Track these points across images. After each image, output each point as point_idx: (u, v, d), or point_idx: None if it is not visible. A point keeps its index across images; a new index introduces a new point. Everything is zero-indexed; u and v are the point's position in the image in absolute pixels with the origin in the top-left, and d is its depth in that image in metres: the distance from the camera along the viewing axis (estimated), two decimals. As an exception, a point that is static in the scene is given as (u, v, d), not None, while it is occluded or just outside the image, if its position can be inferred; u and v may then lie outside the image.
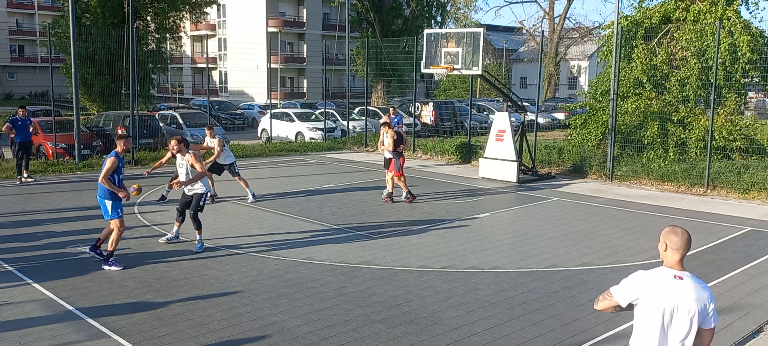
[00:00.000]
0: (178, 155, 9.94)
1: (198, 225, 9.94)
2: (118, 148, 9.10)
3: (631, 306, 3.92)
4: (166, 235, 10.47)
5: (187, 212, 10.07)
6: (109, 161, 8.83)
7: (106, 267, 8.94)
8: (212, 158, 13.79)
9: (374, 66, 30.28)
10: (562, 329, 7.01)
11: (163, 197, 13.71)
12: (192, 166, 9.80)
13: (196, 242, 9.95)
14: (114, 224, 8.98)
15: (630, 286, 3.90)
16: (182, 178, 9.97)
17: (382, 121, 14.92)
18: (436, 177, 17.90)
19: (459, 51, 15.89)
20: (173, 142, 9.93)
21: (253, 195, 13.97)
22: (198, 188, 9.94)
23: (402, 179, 14.09)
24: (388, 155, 14.06)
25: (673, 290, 3.81)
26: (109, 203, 8.95)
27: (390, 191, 14.12)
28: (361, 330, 6.91)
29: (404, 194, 14.12)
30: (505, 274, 8.99)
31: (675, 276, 3.84)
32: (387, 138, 13.96)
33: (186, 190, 10.03)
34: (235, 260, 9.49)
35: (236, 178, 14.08)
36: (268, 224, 11.91)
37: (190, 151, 9.89)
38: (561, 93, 58.35)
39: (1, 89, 66.76)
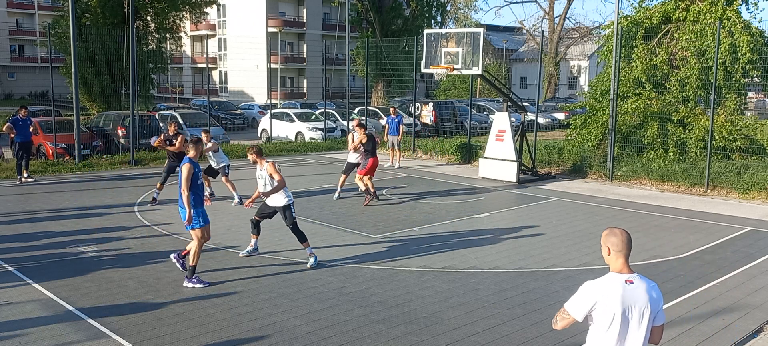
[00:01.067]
0: (257, 166, 9.29)
1: (302, 238, 9.28)
2: (191, 154, 8.38)
3: (586, 319, 3.86)
4: (246, 249, 9.75)
5: (260, 222, 9.54)
6: (185, 169, 8.14)
7: (189, 285, 8.20)
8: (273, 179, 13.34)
9: (374, 66, 30.28)
10: (562, 329, 7.01)
11: (154, 200, 13.54)
12: (271, 175, 9.07)
13: (309, 256, 9.25)
14: (194, 234, 8.27)
15: (582, 299, 3.83)
16: (261, 189, 9.31)
17: (354, 123, 14.48)
18: (436, 177, 17.90)
19: (459, 51, 15.89)
20: (249, 153, 9.32)
21: (240, 199, 13.49)
22: (280, 200, 9.19)
23: (370, 179, 13.75)
24: (354, 159, 14.04)
25: (626, 295, 3.73)
26: (184, 213, 8.26)
27: (370, 189, 13.82)
28: (361, 330, 6.91)
29: (363, 189, 13.74)
30: (505, 274, 8.99)
31: (626, 281, 3.76)
32: (356, 137, 13.82)
33: (267, 201, 9.33)
34: (235, 260, 9.49)
35: (224, 179, 13.79)
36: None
37: (268, 160, 9.20)
38: (561, 93, 58.35)
39: (1, 89, 66.76)
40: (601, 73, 20.18)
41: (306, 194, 14.98)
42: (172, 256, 8.85)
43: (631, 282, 3.76)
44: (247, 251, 9.70)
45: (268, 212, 9.43)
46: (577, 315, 3.85)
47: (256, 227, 9.59)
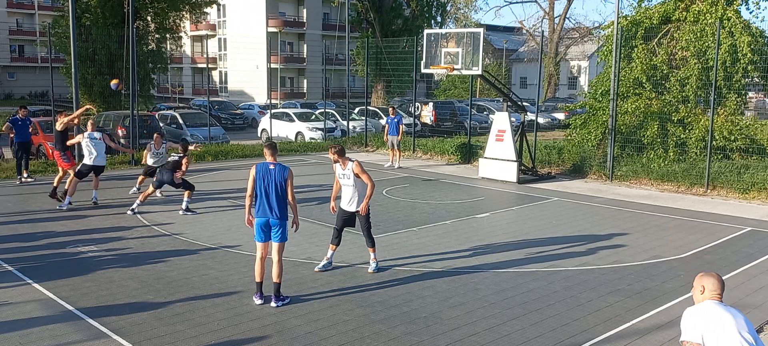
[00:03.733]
0: (338, 166, 8.71)
1: (372, 243, 8.93)
2: (276, 159, 7.72)
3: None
4: (321, 263, 9.07)
5: (341, 231, 8.99)
6: (292, 175, 7.61)
7: (282, 305, 7.61)
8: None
9: (374, 66, 30.29)
10: (562, 329, 7.02)
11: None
12: (357, 176, 8.56)
13: (371, 261, 8.98)
14: (283, 247, 7.71)
15: (693, 322, 4.08)
16: (344, 192, 8.78)
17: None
18: (436, 177, 17.90)
19: (459, 51, 15.89)
20: (330, 152, 8.74)
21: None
22: (358, 202, 8.70)
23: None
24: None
25: (728, 315, 4.04)
26: (286, 223, 7.66)
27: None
28: (361, 330, 6.91)
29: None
30: (505, 274, 8.99)
31: (723, 303, 4.14)
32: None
33: (344, 206, 8.83)
34: (235, 260, 9.49)
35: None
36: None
37: (352, 160, 8.69)
38: (561, 93, 58.35)
39: (1, 89, 66.75)
40: (601, 73, 20.17)
41: (306, 193, 14.97)
42: (275, 303, 7.61)
43: (725, 305, 4.15)
44: (322, 265, 9.03)
45: (350, 218, 8.86)
46: (697, 338, 4.04)
47: (338, 237, 8.98)
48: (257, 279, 7.74)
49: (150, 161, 13.89)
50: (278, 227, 7.60)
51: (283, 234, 7.65)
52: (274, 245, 7.65)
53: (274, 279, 7.61)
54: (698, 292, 4.23)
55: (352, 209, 8.81)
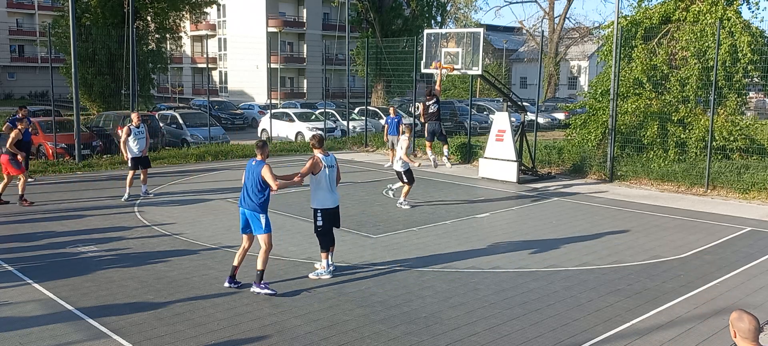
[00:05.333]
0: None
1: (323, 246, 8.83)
2: (263, 156, 8.03)
3: None
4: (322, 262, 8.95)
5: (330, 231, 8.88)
6: (269, 168, 7.84)
7: (259, 290, 7.94)
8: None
9: (374, 66, 30.28)
10: (562, 329, 7.02)
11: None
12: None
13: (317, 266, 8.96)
14: (267, 239, 7.99)
15: None
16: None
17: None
18: (436, 177, 17.90)
19: (459, 51, 15.87)
20: (310, 143, 8.84)
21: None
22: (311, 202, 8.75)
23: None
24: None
25: None
26: (263, 217, 7.94)
27: None
28: (361, 330, 6.91)
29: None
30: (505, 274, 8.99)
31: None
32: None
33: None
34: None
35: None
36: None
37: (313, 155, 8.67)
38: (561, 93, 58.33)
39: (1, 89, 66.74)
40: (601, 73, 20.17)
41: (306, 194, 14.96)
42: (228, 284, 8.13)
43: None
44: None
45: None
46: None
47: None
48: (234, 263, 8.19)
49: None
50: (255, 219, 7.97)
51: (266, 226, 7.98)
52: (259, 237, 8.03)
53: (258, 266, 7.95)
54: (731, 333, 3.93)
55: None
